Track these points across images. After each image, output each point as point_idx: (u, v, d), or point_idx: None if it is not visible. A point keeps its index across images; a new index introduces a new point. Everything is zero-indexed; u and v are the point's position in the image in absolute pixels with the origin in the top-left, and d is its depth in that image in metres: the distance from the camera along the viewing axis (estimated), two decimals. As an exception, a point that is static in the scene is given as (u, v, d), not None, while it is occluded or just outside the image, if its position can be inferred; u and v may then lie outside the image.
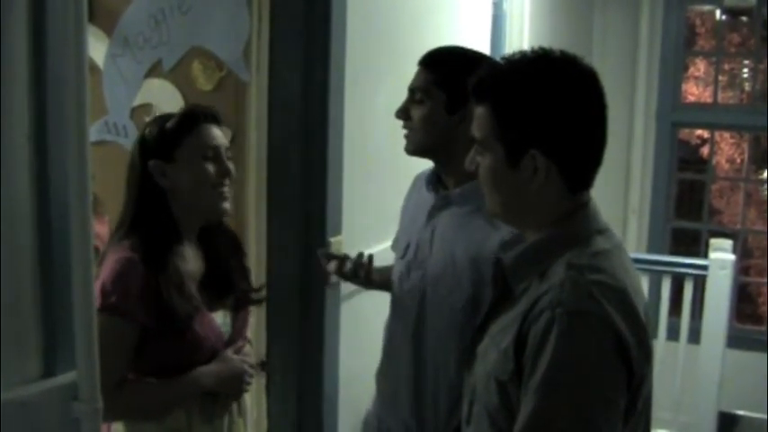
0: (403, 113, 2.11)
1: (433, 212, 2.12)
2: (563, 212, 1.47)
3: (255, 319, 2.56)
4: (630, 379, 1.37)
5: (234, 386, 2.03)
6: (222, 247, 2.10)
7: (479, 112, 1.49)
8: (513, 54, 1.52)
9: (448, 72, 2.03)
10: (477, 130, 1.50)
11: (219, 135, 2.02)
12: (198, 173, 1.95)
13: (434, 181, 2.17)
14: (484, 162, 1.50)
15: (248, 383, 2.07)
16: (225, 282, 2.07)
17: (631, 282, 1.44)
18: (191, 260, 2.02)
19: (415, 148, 2.12)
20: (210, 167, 1.97)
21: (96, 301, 1.73)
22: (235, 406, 2.08)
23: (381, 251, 2.50)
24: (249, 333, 2.25)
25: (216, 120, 2.03)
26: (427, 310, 2.08)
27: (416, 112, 2.08)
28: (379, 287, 2.36)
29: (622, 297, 1.38)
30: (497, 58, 1.64)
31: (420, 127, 2.07)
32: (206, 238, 2.07)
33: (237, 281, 2.11)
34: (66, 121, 1.38)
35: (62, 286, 1.41)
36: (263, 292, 2.24)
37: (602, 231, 1.49)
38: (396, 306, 2.21)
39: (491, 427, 1.47)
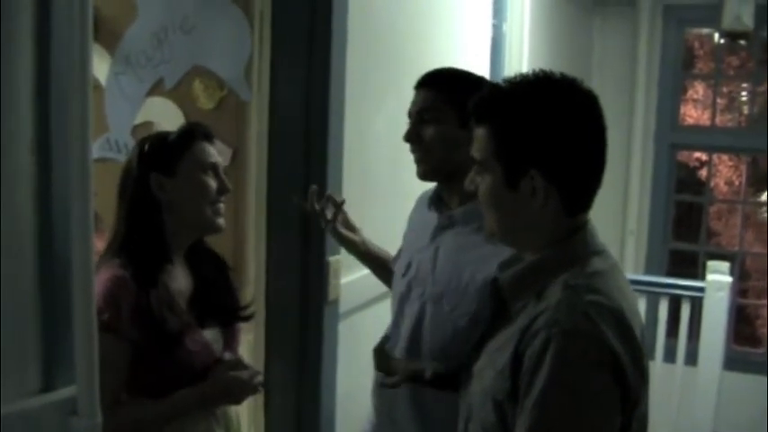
0: (414, 136, 2.08)
1: (437, 232, 2.11)
2: (561, 233, 1.48)
3: (254, 336, 2.57)
4: (626, 399, 1.37)
5: (225, 402, 2.03)
6: (208, 266, 2.12)
7: (479, 133, 1.50)
8: (514, 76, 1.53)
9: (455, 88, 2.02)
10: (476, 150, 1.51)
11: (215, 153, 2.06)
12: (199, 187, 1.99)
13: (436, 200, 2.17)
14: (483, 183, 1.51)
15: (243, 393, 2.04)
16: (213, 299, 2.08)
17: (627, 302, 1.45)
18: (179, 278, 2.02)
19: (431, 173, 2.10)
20: (211, 182, 2.00)
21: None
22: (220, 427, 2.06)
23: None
24: (244, 350, 2.25)
25: (211, 138, 2.06)
26: (425, 326, 2.07)
27: (430, 132, 2.05)
28: (360, 255, 2.42)
29: (618, 317, 1.39)
30: (497, 80, 1.66)
31: (436, 147, 2.04)
32: (192, 256, 2.08)
33: (225, 298, 2.12)
34: (69, 135, 1.39)
35: (63, 300, 1.42)
36: (252, 309, 2.24)
37: (600, 252, 1.50)
38: (395, 323, 2.20)
39: (487, 445, 1.47)
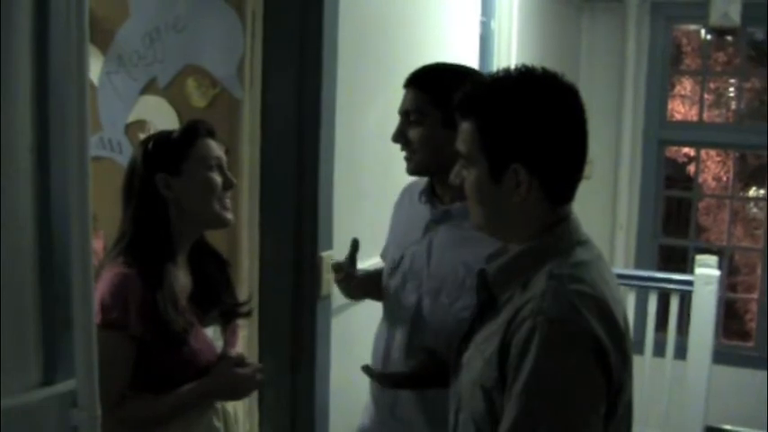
0: (400, 137, 2.11)
1: (431, 225, 2.13)
2: (545, 225, 1.51)
3: (248, 332, 2.59)
4: (610, 385, 1.40)
5: (228, 398, 2.07)
6: (209, 263, 2.14)
7: (464, 127, 1.53)
8: (498, 71, 1.57)
9: (440, 89, 2.03)
10: (461, 144, 1.54)
11: (218, 148, 2.07)
12: (205, 183, 2.01)
13: (429, 194, 2.18)
14: (469, 176, 1.54)
15: (246, 389, 2.09)
16: (213, 297, 2.11)
17: (611, 291, 1.48)
18: (181, 276, 2.05)
19: (418, 170, 2.13)
20: (217, 178, 2.02)
21: (96, 316, 1.77)
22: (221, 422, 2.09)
23: (372, 266, 2.53)
24: (240, 346, 2.27)
25: (213, 134, 2.08)
26: (423, 319, 2.09)
27: (415, 134, 2.08)
28: (364, 296, 2.39)
29: (602, 306, 1.42)
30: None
31: (421, 148, 2.08)
32: (194, 254, 2.10)
33: (224, 295, 2.15)
34: (67, 135, 1.41)
35: (62, 295, 1.44)
36: (251, 305, 2.26)
37: (583, 243, 1.53)
38: (391, 316, 2.22)
39: (477, 433, 1.50)
